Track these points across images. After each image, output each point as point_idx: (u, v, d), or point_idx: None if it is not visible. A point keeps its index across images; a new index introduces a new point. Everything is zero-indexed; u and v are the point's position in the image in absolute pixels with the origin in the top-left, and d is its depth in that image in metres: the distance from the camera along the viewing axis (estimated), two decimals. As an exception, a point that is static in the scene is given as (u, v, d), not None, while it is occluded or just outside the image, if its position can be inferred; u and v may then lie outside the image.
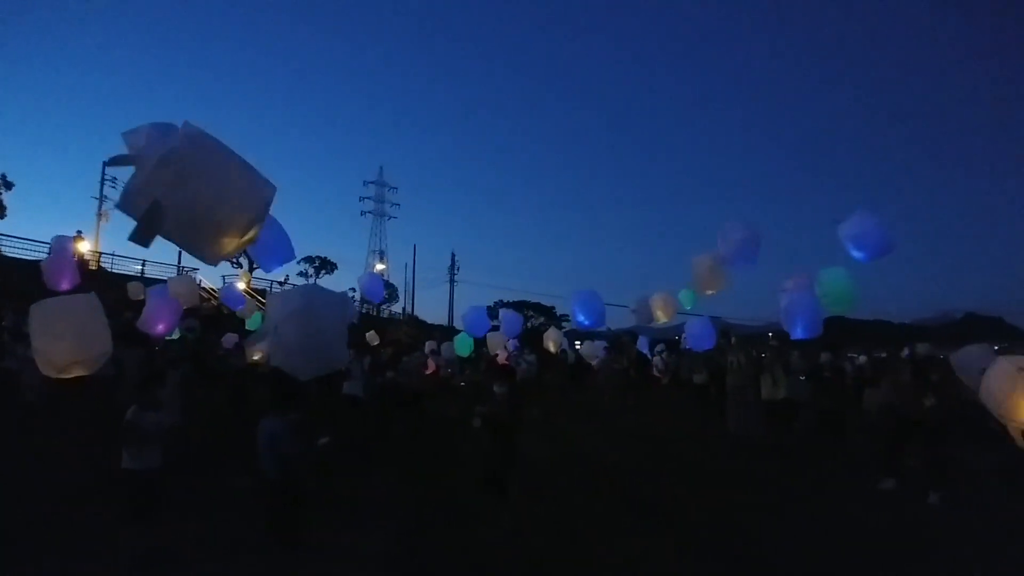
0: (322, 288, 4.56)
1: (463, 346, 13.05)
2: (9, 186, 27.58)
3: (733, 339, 11.02)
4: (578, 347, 20.22)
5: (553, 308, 54.24)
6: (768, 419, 9.42)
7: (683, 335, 12.83)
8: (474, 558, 4.48)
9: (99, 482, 5.14)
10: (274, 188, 3.21)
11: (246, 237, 3.11)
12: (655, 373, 15.21)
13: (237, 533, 4.53)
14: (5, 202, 27.38)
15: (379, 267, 47.95)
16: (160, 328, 7.20)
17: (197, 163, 2.81)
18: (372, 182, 63.86)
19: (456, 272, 52.00)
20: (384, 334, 24.19)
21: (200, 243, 3.07)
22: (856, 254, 5.74)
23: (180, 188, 2.73)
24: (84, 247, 26.61)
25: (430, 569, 4.36)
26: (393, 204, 64.50)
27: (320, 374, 4.06)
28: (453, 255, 53.79)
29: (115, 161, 3.09)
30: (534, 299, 55.11)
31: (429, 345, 15.32)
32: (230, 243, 3.14)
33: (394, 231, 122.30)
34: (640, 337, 16.31)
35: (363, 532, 4.94)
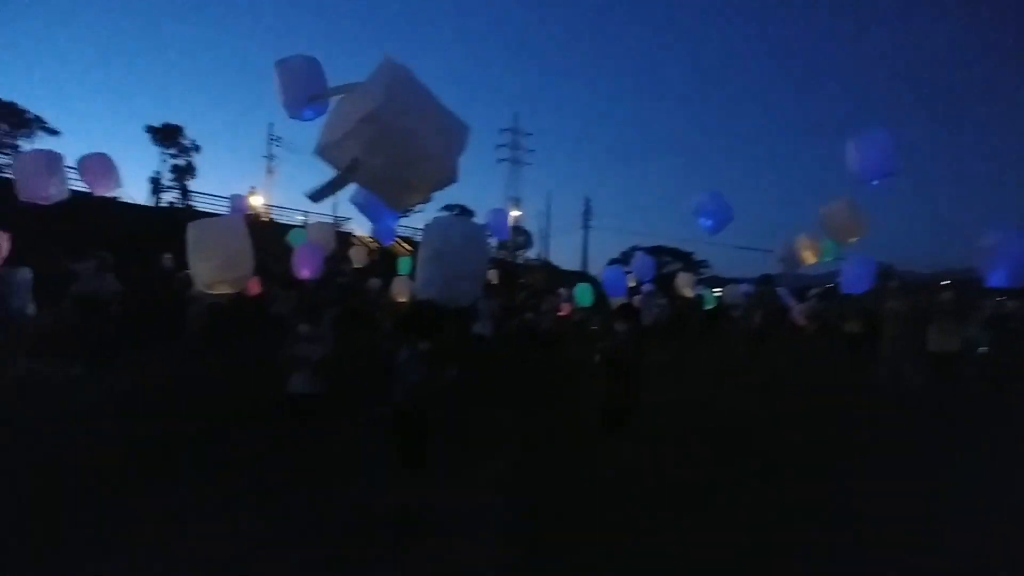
0: (470, 222, 4.70)
1: (584, 295, 13.48)
2: (198, 148, 31.82)
3: (895, 282, 9.80)
4: (718, 293, 19.23)
5: (691, 254, 51.86)
6: (934, 373, 8.38)
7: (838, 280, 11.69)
8: (585, 490, 4.61)
9: (262, 406, 5.80)
10: (468, 129, 3.21)
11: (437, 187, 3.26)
12: (798, 321, 14.07)
13: (373, 455, 5.04)
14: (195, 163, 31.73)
15: (514, 213, 48.98)
16: (305, 273, 7.96)
17: (400, 123, 2.70)
18: (508, 129, 64.37)
19: (590, 218, 51.52)
20: (518, 279, 25.11)
21: (393, 195, 3.26)
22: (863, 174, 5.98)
23: (381, 146, 2.70)
24: (257, 202, 30.12)
25: (540, 496, 4.55)
26: (528, 151, 64.72)
27: (461, 303, 4.27)
28: (587, 201, 53.26)
29: (314, 98, 3.31)
30: (671, 245, 52.86)
31: (563, 291, 15.78)
32: (421, 194, 3.32)
33: (529, 178, 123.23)
34: (779, 288, 15.17)
35: (483, 459, 5.26)
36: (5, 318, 6.11)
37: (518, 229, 48.35)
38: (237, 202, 11.85)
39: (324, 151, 2.78)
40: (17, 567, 3.18)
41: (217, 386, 6.89)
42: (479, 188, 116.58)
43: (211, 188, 28.47)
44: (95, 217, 11.51)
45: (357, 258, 13.31)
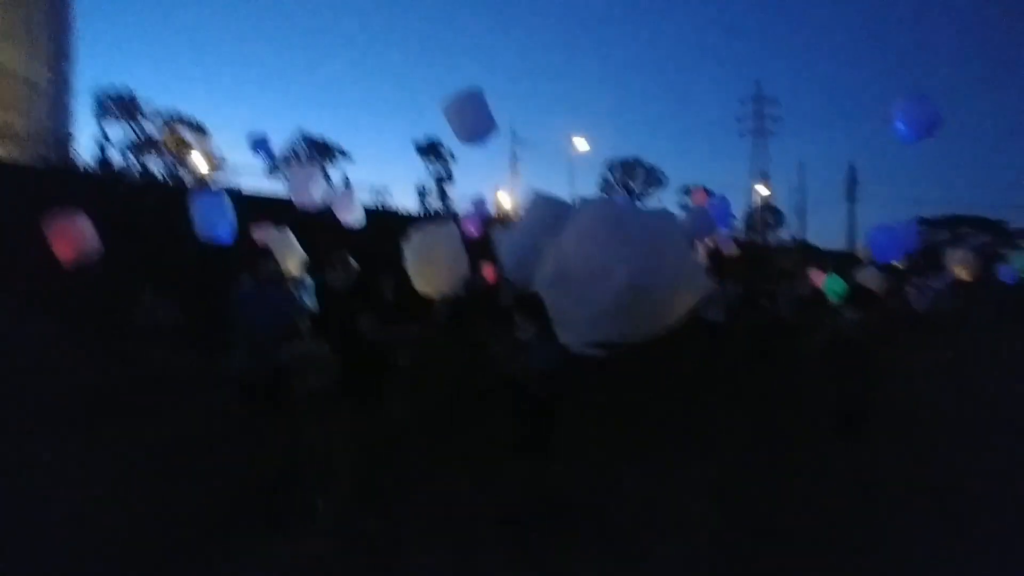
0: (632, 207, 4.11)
1: (834, 287, 11.28)
2: (454, 157, 36.39)
3: None
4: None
5: (1003, 223, 41.36)
6: None
7: None
8: (805, 498, 4.30)
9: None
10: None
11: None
12: None
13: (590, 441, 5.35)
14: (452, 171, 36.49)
15: (762, 191, 44.88)
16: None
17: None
18: (749, 98, 59.17)
19: (855, 188, 44.54)
20: (769, 264, 23.14)
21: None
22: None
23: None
24: (504, 201, 33.12)
25: (752, 503, 4.39)
26: (775, 119, 58.57)
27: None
28: (851, 167, 46.08)
29: None
30: (974, 212, 42.84)
31: (815, 272, 14.06)
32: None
33: (778, 149, 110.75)
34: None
35: (695, 459, 5.16)
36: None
37: (766, 207, 44.32)
38: (478, 205, 13.14)
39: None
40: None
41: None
42: (723, 163, 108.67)
43: (464, 190, 31.80)
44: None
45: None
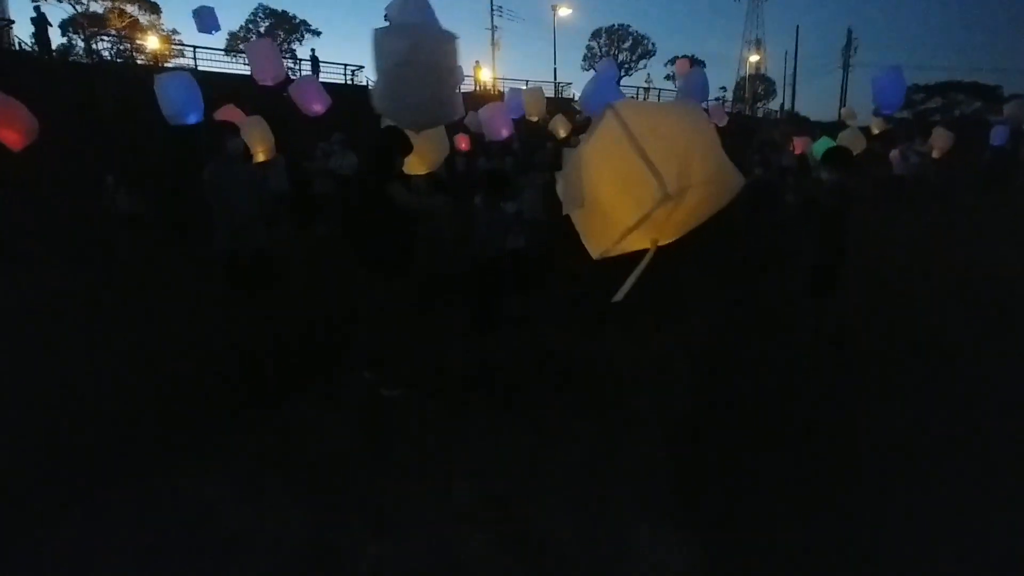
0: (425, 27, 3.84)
1: (822, 150, 11.13)
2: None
3: None
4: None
5: (998, 88, 40.28)
6: None
7: None
8: (773, 359, 4.48)
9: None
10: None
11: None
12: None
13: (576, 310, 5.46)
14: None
15: (753, 58, 42.81)
16: (504, 133, 8.26)
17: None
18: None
19: (851, 55, 42.65)
20: (757, 134, 22.64)
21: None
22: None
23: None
24: (484, 75, 31.33)
25: (730, 357, 4.58)
26: (773, -22, 54.55)
27: (429, 126, 3.90)
28: (849, 32, 43.81)
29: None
30: (970, 78, 41.64)
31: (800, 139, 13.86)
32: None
33: (774, 14, 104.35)
34: None
35: (672, 322, 5.33)
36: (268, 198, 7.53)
37: (757, 76, 42.51)
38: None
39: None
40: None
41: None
42: (717, 30, 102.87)
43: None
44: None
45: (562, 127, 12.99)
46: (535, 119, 10.81)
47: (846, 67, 43.12)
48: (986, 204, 11.40)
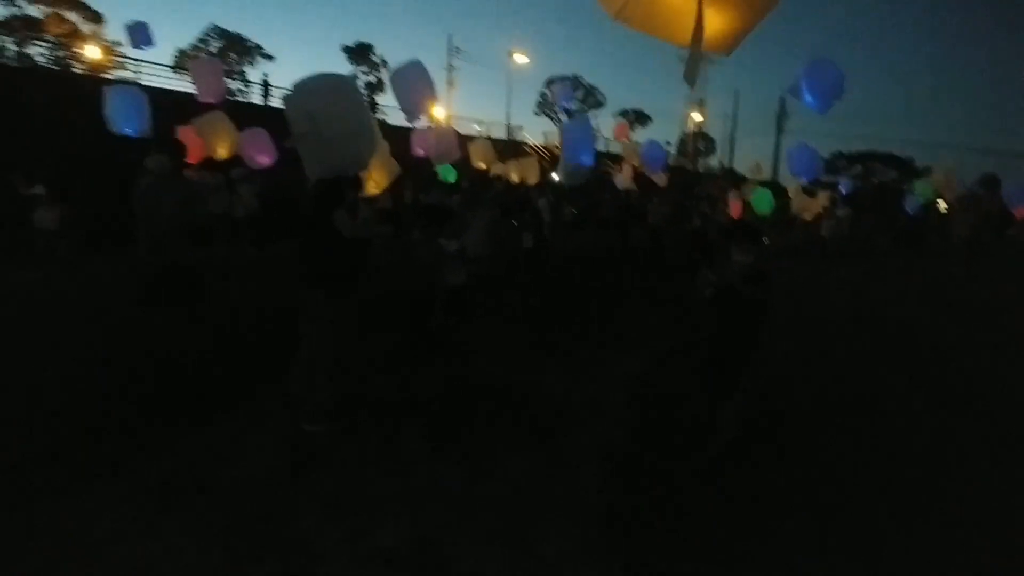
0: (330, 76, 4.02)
1: (762, 202, 11.75)
2: (385, 64, 34.17)
3: None
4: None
5: (910, 161, 44.06)
6: None
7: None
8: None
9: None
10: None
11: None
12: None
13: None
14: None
15: (696, 118, 45.33)
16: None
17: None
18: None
19: (784, 121, 45.75)
20: (694, 189, 23.78)
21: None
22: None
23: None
24: (439, 113, 31.75)
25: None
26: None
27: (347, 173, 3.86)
28: (782, 100, 47.06)
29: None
30: (888, 148, 45.32)
31: (735, 192, 14.66)
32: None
33: (717, 76, 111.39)
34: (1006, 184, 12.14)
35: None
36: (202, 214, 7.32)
37: (699, 134, 44.97)
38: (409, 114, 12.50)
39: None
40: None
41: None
42: (659, 91, 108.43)
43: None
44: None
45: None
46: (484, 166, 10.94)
47: (779, 132, 46.20)
48: (902, 263, 12.31)
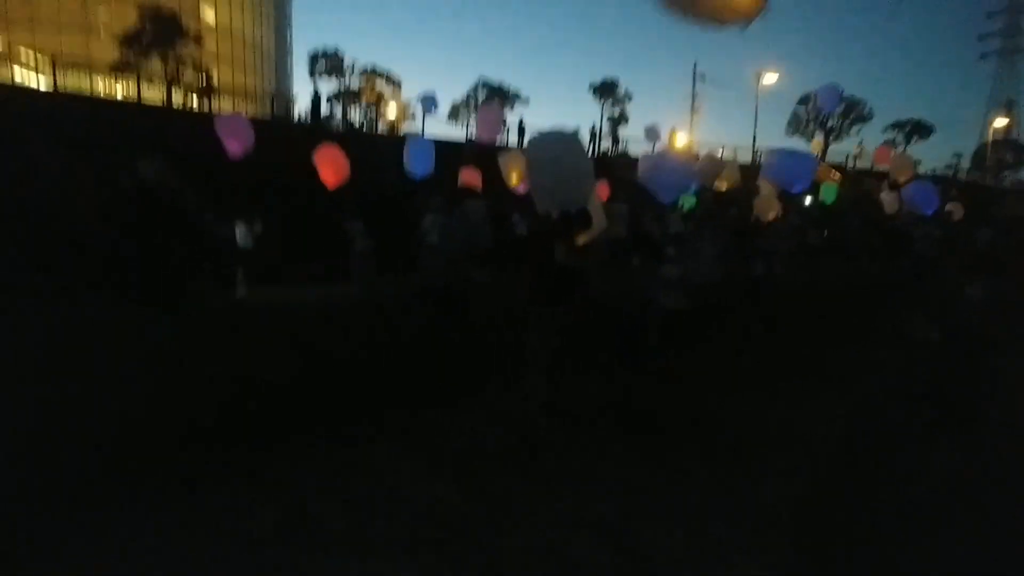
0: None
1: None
2: (630, 97, 35.41)
3: None
4: None
5: None
6: None
7: None
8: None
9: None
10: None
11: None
12: None
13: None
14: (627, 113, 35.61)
15: (999, 122, 36.90)
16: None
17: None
18: (998, 12, 48.36)
19: None
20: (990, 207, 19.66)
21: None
22: None
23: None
24: (680, 140, 31.68)
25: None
26: (1027, 36, 47.44)
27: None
28: None
29: None
30: None
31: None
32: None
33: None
34: None
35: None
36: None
37: (1004, 142, 36.47)
38: (650, 133, 13.08)
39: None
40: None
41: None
42: (949, 95, 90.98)
43: (640, 132, 30.94)
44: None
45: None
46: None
47: None
48: None
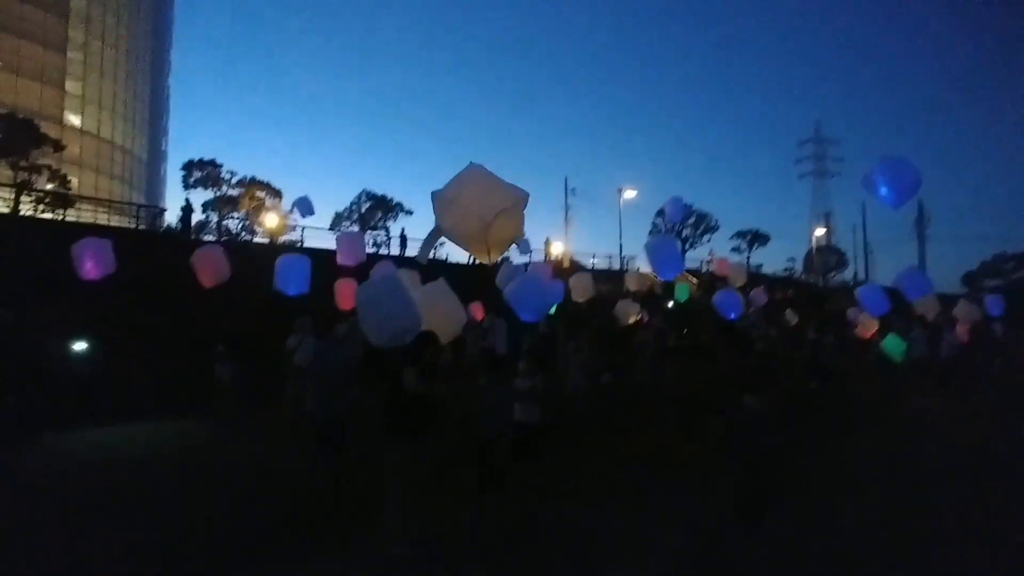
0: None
1: (894, 348, 10.38)
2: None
3: None
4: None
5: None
6: None
7: None
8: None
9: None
10: (527, 195, 4.63)
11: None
12: None
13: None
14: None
15: (819, 231, 43.78)
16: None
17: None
18: (808, 140, 58.47)
19: (925, 226, 42.62)
20: (821, 307, 22.66)
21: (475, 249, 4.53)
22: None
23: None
24: (556, 249, 33.82)
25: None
26: (835, 160, 57.53)
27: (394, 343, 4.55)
28: (920, 205, 44.16)
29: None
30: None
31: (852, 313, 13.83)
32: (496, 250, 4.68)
33: (840, 191, 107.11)
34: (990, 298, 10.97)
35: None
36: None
37: (826, 248, 42.99)
38: (522, 246, 13.88)
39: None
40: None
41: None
42: (780, 207, 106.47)
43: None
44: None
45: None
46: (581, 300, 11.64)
47: (921, 239, 42.92)
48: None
